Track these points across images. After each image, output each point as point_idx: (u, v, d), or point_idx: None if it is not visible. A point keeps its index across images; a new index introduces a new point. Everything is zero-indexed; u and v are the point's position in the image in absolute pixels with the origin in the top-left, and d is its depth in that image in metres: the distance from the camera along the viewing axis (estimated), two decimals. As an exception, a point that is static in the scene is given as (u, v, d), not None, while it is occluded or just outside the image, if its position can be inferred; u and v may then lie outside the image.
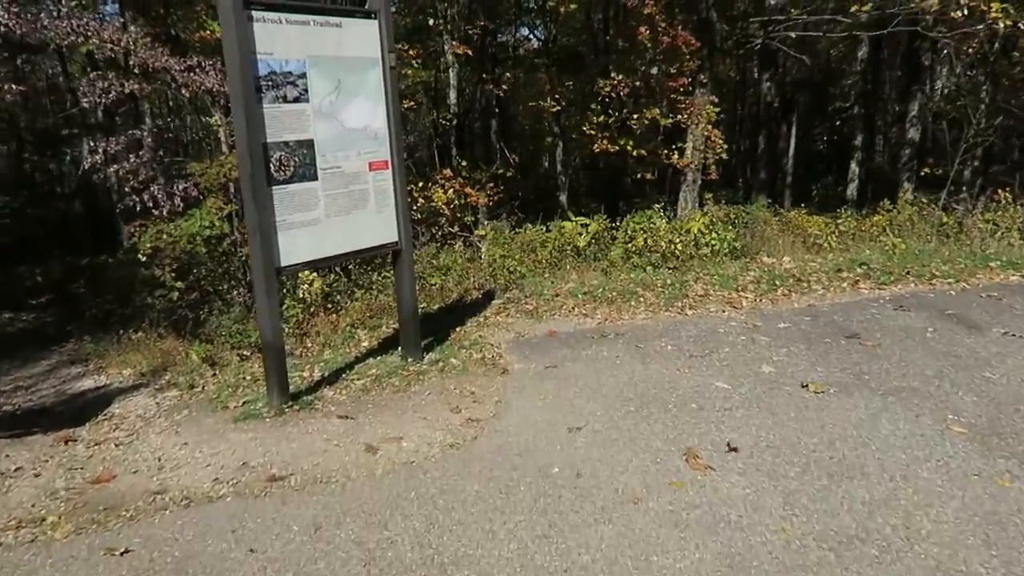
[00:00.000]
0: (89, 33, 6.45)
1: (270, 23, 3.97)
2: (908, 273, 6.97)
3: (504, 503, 3.25)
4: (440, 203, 9.89)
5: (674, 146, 11.02)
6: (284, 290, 6.78)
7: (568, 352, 5.23)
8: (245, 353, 6.08)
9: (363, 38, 4.52)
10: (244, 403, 4.59)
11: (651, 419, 4.03)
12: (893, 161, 17.11)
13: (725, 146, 10.61)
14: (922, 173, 14.76)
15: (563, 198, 13.27)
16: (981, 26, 9.75)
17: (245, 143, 3.90)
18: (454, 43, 10.98)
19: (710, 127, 10.30)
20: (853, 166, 16.16)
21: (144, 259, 7.05)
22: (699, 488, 3.30)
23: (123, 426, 4.78)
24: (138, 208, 7.92)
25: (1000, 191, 9.57)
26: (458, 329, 6.01)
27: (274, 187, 4.08)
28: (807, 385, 4.43)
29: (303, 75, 4.18)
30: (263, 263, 4.05)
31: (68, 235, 13.33)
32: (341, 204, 4.48)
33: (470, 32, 10.91)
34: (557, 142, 13.10)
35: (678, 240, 8.08)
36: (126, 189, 7.87)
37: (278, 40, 4.02)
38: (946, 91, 15.74)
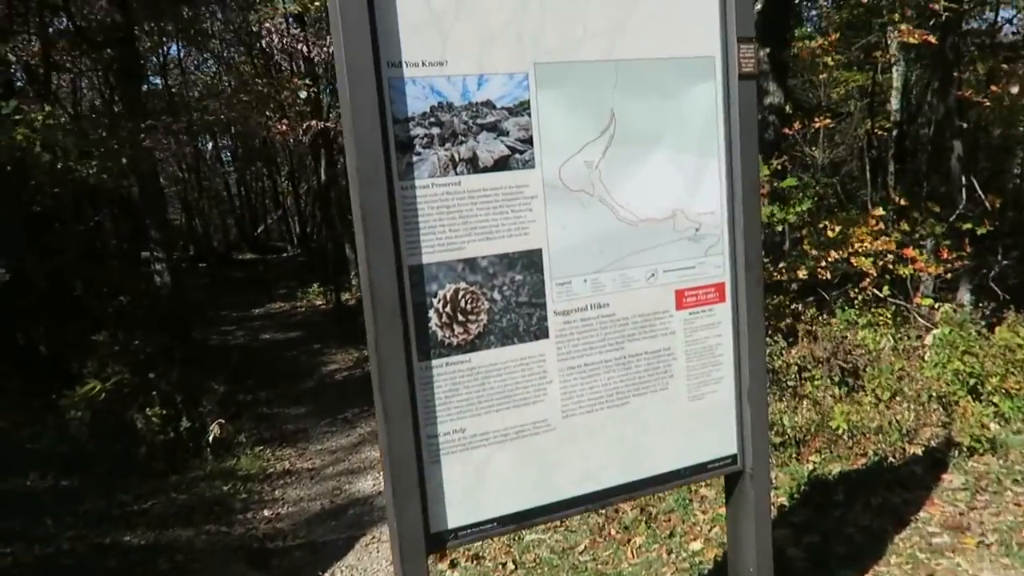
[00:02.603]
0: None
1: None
2: None
3: None
4: (864, 265, 6.55)
5: None
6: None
7: None
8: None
9: (671, 17, 1.98)
10: None
11: None
12: None
13: None
14: None
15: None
16: None
17: (365, 269, 1.71)
18: (903, 28, 7.50)
19: None
20: None
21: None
22: None
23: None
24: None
25: None
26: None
27: (435, 360, 1.82)
28: None
29: (521, 107, 1.83)
30: (399, 528, 1.82)
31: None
32: (604, 385, 2.02)
33: (933, 8, 7.24)
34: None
35: None
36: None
37: (455, 34, 1.75)
38: None
